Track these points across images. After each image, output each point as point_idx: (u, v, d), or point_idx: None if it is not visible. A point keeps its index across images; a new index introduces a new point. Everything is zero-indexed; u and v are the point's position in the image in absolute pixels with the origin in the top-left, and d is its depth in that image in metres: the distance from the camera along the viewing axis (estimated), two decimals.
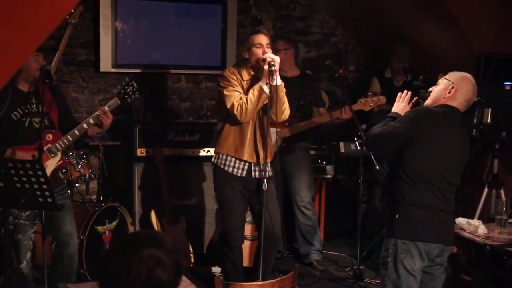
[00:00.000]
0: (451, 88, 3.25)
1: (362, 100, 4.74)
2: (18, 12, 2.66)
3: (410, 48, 5.44)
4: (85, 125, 3.82)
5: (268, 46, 3.99)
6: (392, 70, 5.61)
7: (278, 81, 3.90)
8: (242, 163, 4.06)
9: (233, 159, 4.06)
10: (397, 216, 3.21)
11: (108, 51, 5.53)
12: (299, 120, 5.07)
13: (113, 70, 5.59)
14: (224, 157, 4.08)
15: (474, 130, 4.58)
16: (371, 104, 4.73)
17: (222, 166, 4.09)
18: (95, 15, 5.51)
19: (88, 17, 5.51)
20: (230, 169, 4.07)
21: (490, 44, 4.94)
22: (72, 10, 4.74)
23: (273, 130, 4.90)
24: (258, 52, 3.97)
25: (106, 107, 3.87)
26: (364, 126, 4.84)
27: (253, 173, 4.08)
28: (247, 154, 4.03)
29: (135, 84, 4.01)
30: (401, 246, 3.18)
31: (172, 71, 5.88)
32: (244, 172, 4.08)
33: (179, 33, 5.79)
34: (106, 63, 5.54)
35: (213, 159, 4.16)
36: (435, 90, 3.33)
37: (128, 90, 3.99)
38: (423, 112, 3.26)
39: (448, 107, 3.26)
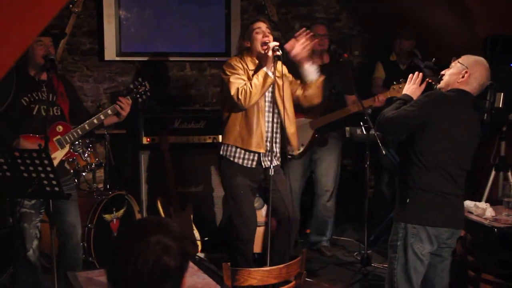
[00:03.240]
0: (464, 73, 3.24)
1: (395, 87, 4.63)
2: None
3: (417, 31, 5.40)
4: (95, 121, 3.85)
5: (268, 31, 3.99)
6: (397, 53, 5.55)
7: (314, 74, 4.02)
8: (252, 154, 4.04)
9: (242, 150, 4.04)
10: (408, 200, 3.23)
11: (112, 40, 5.51)
12: (331, 109, 5.00)
13: (118, 58, 5.58)
14: (233, 149, 4.05)
15: (486, 114, 4.54)
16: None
17: (231, 158, 4.07)
18: (99, 3, 5.49)
19: (91, 5, 5.50)
20: (240, 160, 4.05)
21: (496, 25, 4.89)
22: None
23: (305, 121, 4.91)
24: (259, 37, 3.97)
25: (117, 106, 3.91)
26: (369, 111, 4.81)
27: (263, 163, 4.07)
28: (254, 144, 4.00)
29: (147, 85, 4.10)
30: (411, 230, 3.20)
31: (177, 59, 5.86)
32: (254, 163, 4.07)
33: (183, 21, 5.77)
34: (110, 52, 5.53)
35: (221, 152, 4.12)
36: (448, 74, 3.32)
37: (140, 91, 4.08)
38: (437, 97, 3.25)
39: (461, 92, 3.24)
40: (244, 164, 4.05)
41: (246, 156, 4.05)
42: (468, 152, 3.29)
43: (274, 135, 3.95)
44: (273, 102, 3.97)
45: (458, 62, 3.30)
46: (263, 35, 3.97)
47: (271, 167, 3.81)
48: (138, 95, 4.08)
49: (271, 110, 3.97)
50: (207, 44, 5.90)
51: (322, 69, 5.00)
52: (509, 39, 4.85)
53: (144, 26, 5.67)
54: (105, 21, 5.47)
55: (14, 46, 2.61)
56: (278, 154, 4.10)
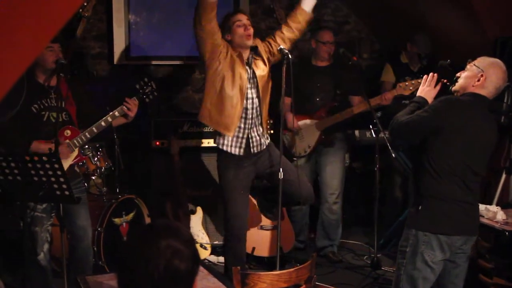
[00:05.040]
0: (480, 76, 3.15)
1: (401, 85, 4.62)
2: (30, 5, 2.66)
3: (428, 36, 5.38)
4: (103, 123, 3.85)
5: (249, 23, 4.00)
6: (407, 55, 5.52)
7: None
8: (239, 140, 4.06)
9: (226, 136, 4.06)
10: (420, 207, 3.17)
11: (121, 44, 5.54)
12: (336, 110, 4.99)
13: (127, 62, 5.59)
14: (221, 136, 4.09)
15: (503, 117, 4.49)
16: (411, 88, 4.55)
17: (220, 146, 4.10)
18: (108, 8, 5.51)
19: (101, 10, 5.52)
20: (228, 148, 4.08)
21: (506, 27, 4.87)
22: (85, 3, 4.74)
23: (311, 122, 4.91)
24: (240, 30, 3.97)
25: (124, 107, 3.91)
26: (379, 114, 4.80)
27: (252, 149, 4.08)
28: (223, 125, 4.02)
29: (153, 85, 4.07)
30: (423, 238, 3.15)
31: (185, 62, 5.87)
32: (242, 150, 4.07)
33: (192, 24, 5.75)
34: (119, 56, 5.55)
35: (216, 140, 4.17)
36: (463, 77, 3.23)
37: (147, 91, 4.05)
38: (451, 102, 3.16)
39: (476, 96, 3.16)
40: (232, 152, 4.05)
41: (233, 143, 4.06)
42: (483, 158, 3.21)
43: (253, 120, 4.02)
44: (252, 88, 4.04)
45: (474, 64, 3.21)
46: (244, 28, 3.98)
47: (280, 171, 3.81)
48: (144, 96, 4.05)
49: (250, 97, 4.03)
50: None
51: (326, 70, 5.04)
52: None
53: (153, 30, 5.69)
54: (114, 25, 5.49)
55: (26, 53, 2.63)
56: (265, 134, 4.15)
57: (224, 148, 4.07)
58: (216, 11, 3.89)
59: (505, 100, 4.47)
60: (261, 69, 4.11)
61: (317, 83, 5.04)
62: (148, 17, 5.66)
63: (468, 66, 3.24)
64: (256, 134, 4.10)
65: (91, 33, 5.54)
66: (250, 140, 4.08)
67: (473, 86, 3.17)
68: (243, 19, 4.00)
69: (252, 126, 4.07)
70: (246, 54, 4.05)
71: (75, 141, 3.82)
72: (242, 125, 4.04)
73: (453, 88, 3.28)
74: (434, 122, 3.12)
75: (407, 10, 5.56)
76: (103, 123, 3.87)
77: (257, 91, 4.06)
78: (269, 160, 4.14)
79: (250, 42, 3.99)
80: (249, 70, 4.04)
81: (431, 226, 3.14)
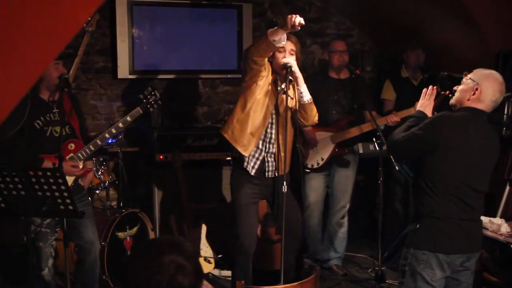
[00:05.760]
0: (475, 90, 3.07)
1: (408, 109, 4.63)
2: (37, 21, 2.69)
3: (426, 48, 5.38)
4: (107, 135, 3.88)
5: (292, 52, 3.95)
6: (408, 69, 5.53)
7: (307, 95, 3.90)
8: (253, 160, 4.05)
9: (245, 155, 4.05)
10: (417, 226, 3.13)
11: (125, 58, 5.56)
12: (353, 123, 5.00)
13: (131, 76, 5.62)
14: (239, 153, 4.07)
15: (504, 129, 4.42)
16: None
17: (237, 162, 4.11)
18: (112, 22, 5.55)
19: (104, 24, 5.55)
20: (245, 164, 4.06)
21: (509, 40, 4.88)
22: (89, 18, 4.78)
23: (326, 134, 4.91)
24: (280, 56, 3.95)
25: (128, 118, 3.94)
26: (382, 127, 4.81)
27: (266, 173, 4.08)
28: (241, 143, 4.00)
29: (157, 94, 4.08)
30: (421, 257, 3.09)
31: (189, 76, 5.90)
32: (254, 171, 4.07)
33: (195, 38, 5.81)
34: (123, 70, 5.58)
35: (233, 154, 4.16)
36: (459, 90, 3.17)
37: (150, 100, 4.06)
38: (445, 120, 3.08)
39: (472, 111, 3.09)
40: (247, 169, 4.05)
41: (249, 161, 4.05)
42: (483, 175, 3.12)
43: (271, 144, 4.00)
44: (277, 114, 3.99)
45: (469, 77, 3.12)
46: (283, 56, 3.92)
47: (284, 185, 3.81)
48: (148, 105, 4.07)
49: (273, 122, 4.01)
50: (219, 62, 5.93)
51: (344, 84, 5.04)
52: None
53: (157, 44, 5.72)
54: (118, 40, 5.52)
55: (33, 69, 2.66)
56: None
57: (244, 165, 4.06)
58: None
59: (506, 112, 4.40)
60: (291, 101, 4.03)
61: (333, 96, 5.04)
62: (151, 31, 5.69)
63: (463, 79, 3.17)
64: (273, 159, 4.08)
65: (95, 48, 5.57)
66: (266, 164, 4.07)
67: (468, 100, 3.10)
68: (288, 48, 3.93)
69: (270, 150, 4.07)
70: (282, 80, 3.99)
71: (79, 154, 3.83)
72: (260, 146, 4.05)
73: (450, 102, 3.21)
74: (428, 141, 3.06)
75: (409, 23, 5.58)
76: (107, 135, 3.88)
77: (280, 119, 4.03)
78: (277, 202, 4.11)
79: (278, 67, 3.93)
80: (278, 99, 4.03)
81: (429, 244, 3.08)
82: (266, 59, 3.89)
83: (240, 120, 4.01)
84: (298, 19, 3.51)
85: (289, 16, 3.54)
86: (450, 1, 4.96)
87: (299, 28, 3.54)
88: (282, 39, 3.68)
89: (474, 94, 3.08)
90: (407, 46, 5.45)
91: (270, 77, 3.99)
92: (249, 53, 3.82)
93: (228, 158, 5.17)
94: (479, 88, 3.07)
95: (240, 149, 4.02)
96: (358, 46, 6.46)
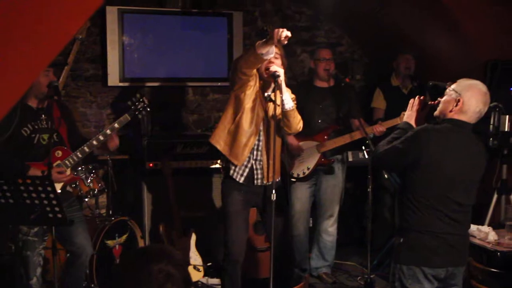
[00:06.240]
0: (457, 101, 3.01)
1: (394, 120, 4.70)
2: (28, 30, 2.69)
3: (416, 57, 5.42)
4: (94, 142, 3.85)
5: (277, 56, 3.96)
6: (398, 77, 5.56)
7: (289, 103, 3.88)
8: (242, 168, 4.05)
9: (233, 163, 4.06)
10: (401, 240, 3.09)
11: (115, 66, 5.56)
12: (338, 133, 5.00)
13: (121, 84, 5.62)
14: (230, 162, 4.07)
15: (491, 140, 4.39)
16: None
17: (226, 171, 4.11)
18: (102, 30, 5.55)
19: (95, 32, 5.55)
20: (234, 174, 4.07)
21: (496, 50, 4.93)
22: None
23: (312, 144, 4.92)
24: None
25: (116, 124, 3.91)
26: (371, 135, 4.83)
27: (255, 181, 4.08)
28: (234, 153, 4.01)
29: (146, 100, 4.06)
30: (407, 271, 3.05)
31: (179, 84, 5.90)
32: (243, 179, 4.07)
33: (186, 46, 5.82)
34: (113, 78, 5.57)
35: (223, 164, 4.18)
36: (442, 101, 3.10)
37: (139, 107, 4.04)
38: (426, 133, 3.01)
39: (455, 122, 3.03)
40: (236, 178, 4.05)
41: (238, 170, 4.06)
42: (468, 187, 3.06)
43: (260, 152, 4.01)
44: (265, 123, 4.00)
45: (452, 88, 3.05)
46: (268, 61, 3.94)
47: (273, 192, 3.81)
48: (137, 112, 4.04)
49: (261, 129, 4.02)
50: (210, 69, 5.94)
51: (328, 92, 5.05)
52: (509, 63, 4.89)
53: (147, 52, 5.72)
54: (108, 47, 5.52)
55: (22, 80, 2.66)
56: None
57: (230, 173, 4.08)
58: None
59: (492, 122, 4.35)
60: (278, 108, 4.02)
61: (319, 105, 5.04)
62: (142, 39, 5.69)
63: (447, 90, 3.10)
64: (261, 167, 4.07)
65: (85, 55, 5.57)
66: (255, 172, 4.07)
67: (451, 111, 3.03)
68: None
69: (259, 157, 4.08)
70: (270, 87, 4.03)
71: (66, 161, 3.82)
72: (249, 154, 4.05)
73: (434, 114, 3.15)
74: (409, 155, 3.00)
75: (399, 32, 5.62)
76: (94, 142, 3.86)
77: (268, 126, 4.04)
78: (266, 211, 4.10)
79: (266, 75, 3.95)
80: (267, 106, 4.04)
81: (414, 259, 3.04)
82: (255, 69, 3.91)
83: (231, 132, 4.02)
84: (285, 33, 3.54)
85: (276, 30, 3.57)
86: (439, 12, 5.00)
87: (286, 42, 3.58)
88: (270, 52, 3.71)
89: (456, 105, 3.02)
90: (397, 53, 5.48)
91: (257, 85, 4.01)
92: (238, 65, 3.84)
93: (216, 166, 5.18)
94: (461, 99, 3.01)
95: (233, 161, 4.03)
96: (348, 54, 6.49)
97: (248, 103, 3.97)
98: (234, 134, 4.01)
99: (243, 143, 4.00)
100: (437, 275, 3.04)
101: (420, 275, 3.02)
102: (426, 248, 3.02)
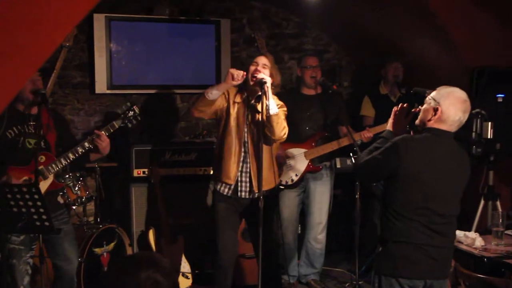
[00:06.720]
0: (435, 110, 2.94)
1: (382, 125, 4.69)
2: (15, 37, 2.69)
3: (403, 64, 5.45)
4: (79, 148, 3.79)
5: (265, 66, 3.99)
6: (387, 85, 5.58)
7: (273, 108, 3.88)
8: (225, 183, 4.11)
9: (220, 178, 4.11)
10: (380, 249, 3.06)
11: (103, 73, 5.55)
12: (326, 140, 5.01)
13: (108, 91, 5.60)
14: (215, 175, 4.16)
15: (474, 147, 4.36)
16: None
17: (214, 184, 4.17)
18: (90, 37, 5.54)
19: (82, 39, 5.54)
20: (219, 186, 4.12)
21: (483, 57, 4.96)
22: None
23: (300, 151, 4.92)
24: (252, 68, 3.99)
25: (102, 131, 3.86)
26: (359, 142, 4.85)
27: (239, 193, 4.09)
28: (224, 173, 4.07)
29: (136, 109, 3.98)
30: (385, 281, 2.99)
31: (167, 91, 5.90)
32: (228, 191, 4.09)
33: (173, 53, 5.82)
34: (101, 85, 5.56)
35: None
36: (422, 110, 3.04)
37: (129, 115, 3.98)
38: (405, 143, 2.93)
39: (435, 132, 2.96)
40: (221, 191, 4.09)
41: (223, 185, 4.09)
42: (450, 197, 2.99)
43: (245, 164, 4.05)
44: (249, 137, 4.04)
45: (431, 96, 2.97)
46: (255, 67, 3.98)
47: (260, 198, 3.81)
48: (127, 120, 3.97)
49: (246, 141, 4.06)
50: (198, 77, 5.93)
51: (315, 100, 5.07)
52: (495, 70, 4.92)
53: (135, 59, 5.71)
54: (96, 55, 5.51)
55: (9, 87, 2.65)
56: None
57: (217, 186, 4.12)
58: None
59: (474, 129, 4.33)
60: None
61: (306, 112, 5.05)
62: (129, 46, 5.69)
63: (426, 98, 3.02)
64: (247, 179, 4.08)
65: (72, 63, 5.55)
66: (239, 184, 4.08)
67: (429, 120, 2.97)
68: (260, 62, 4.01)
69: (245, 170, 4.07)
70: (253, 95, 4.07)
71: (49, 167, 3.75)
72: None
73: (415, 123, 3.09)
74: (388, 166, 2.94)
75: (387, 40, 5.65)
76: (79, 149, 3.80)
77: (253, 136, 4.05)
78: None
79: (252, 82, 3.97)
80: (248, 114, 4.06)
81: (391, 269, 2.97)
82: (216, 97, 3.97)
83: (223, 149, 4.06)
84: (236, 74, 3.78)
85: (230, 70, 3.83)
86: (426, 19, 5.04)
87: (241, 81, 3.81)
88: (214, 94, 3.91)
89: (435, 114, 2.95)
90: (385, 61, 5.51)
91: (238, 99, 4.04)
92: (192, 115, 4.10)
93: (204, 174, 5.19)
94: (440, 108, 2.94)
95: (224, 179, 4.07)
96: (335, 61, 6.51)
97: (232, 119, 4.03)
98: (223, 152, 4.07)
99: (231, 160, 4.04)
100: (414, 286, 2.98)
101: (397, 286, 2.97)
102: (404, 259, 2.96)
